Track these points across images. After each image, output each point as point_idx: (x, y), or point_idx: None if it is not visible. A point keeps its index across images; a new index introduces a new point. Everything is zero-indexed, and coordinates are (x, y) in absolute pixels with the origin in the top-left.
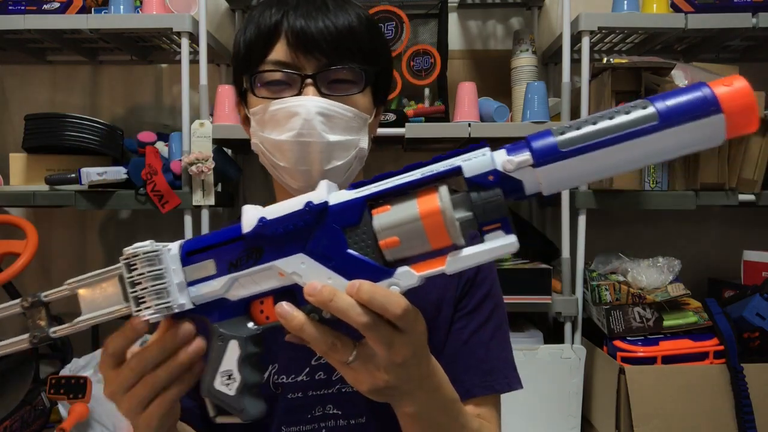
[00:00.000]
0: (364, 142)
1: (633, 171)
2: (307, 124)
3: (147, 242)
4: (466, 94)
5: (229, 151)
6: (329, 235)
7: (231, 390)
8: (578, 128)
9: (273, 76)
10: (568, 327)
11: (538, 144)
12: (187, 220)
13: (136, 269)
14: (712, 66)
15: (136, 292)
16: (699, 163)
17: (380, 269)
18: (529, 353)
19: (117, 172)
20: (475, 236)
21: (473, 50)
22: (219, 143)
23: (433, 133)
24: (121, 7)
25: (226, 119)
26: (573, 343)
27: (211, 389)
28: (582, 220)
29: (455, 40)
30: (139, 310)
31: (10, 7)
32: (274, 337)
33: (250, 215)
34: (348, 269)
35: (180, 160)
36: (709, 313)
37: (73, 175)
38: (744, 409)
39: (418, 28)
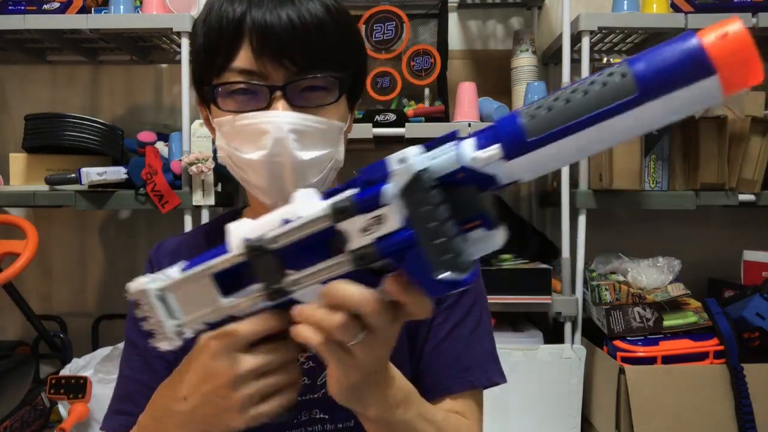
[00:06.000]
0: (341, 153)
1: (619, 143)
2: (279, 143)
3: None
4: (466, 94)
5: None
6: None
7: None
8: (549, 109)
9: (238, 85)
10: (568, 327)
11: (506, 133)
12: (187, 220)
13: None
14: None
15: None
16: (699, 163)
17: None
18: (529, 353)
19: (117, 172)
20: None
21: (473, 50)
22: None
23: (433, 133)
24: (121, 7)
25: None
26: (573, 343)
27: None
28: (582, 220)
29: (455, 40)
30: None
31: (10, 7)
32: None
33: None
34: None
35: (180, 160)
36: (709, 313)
37: (73, 175)
38: (744, 409)
39: (418, 28)
